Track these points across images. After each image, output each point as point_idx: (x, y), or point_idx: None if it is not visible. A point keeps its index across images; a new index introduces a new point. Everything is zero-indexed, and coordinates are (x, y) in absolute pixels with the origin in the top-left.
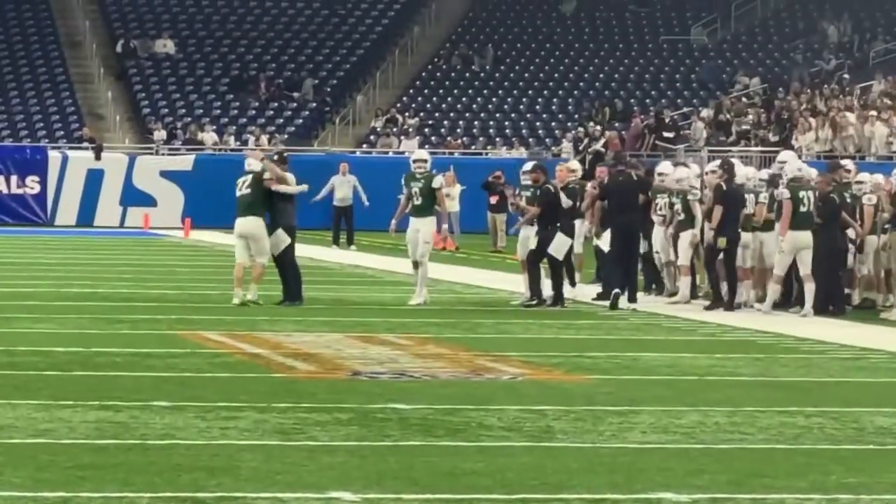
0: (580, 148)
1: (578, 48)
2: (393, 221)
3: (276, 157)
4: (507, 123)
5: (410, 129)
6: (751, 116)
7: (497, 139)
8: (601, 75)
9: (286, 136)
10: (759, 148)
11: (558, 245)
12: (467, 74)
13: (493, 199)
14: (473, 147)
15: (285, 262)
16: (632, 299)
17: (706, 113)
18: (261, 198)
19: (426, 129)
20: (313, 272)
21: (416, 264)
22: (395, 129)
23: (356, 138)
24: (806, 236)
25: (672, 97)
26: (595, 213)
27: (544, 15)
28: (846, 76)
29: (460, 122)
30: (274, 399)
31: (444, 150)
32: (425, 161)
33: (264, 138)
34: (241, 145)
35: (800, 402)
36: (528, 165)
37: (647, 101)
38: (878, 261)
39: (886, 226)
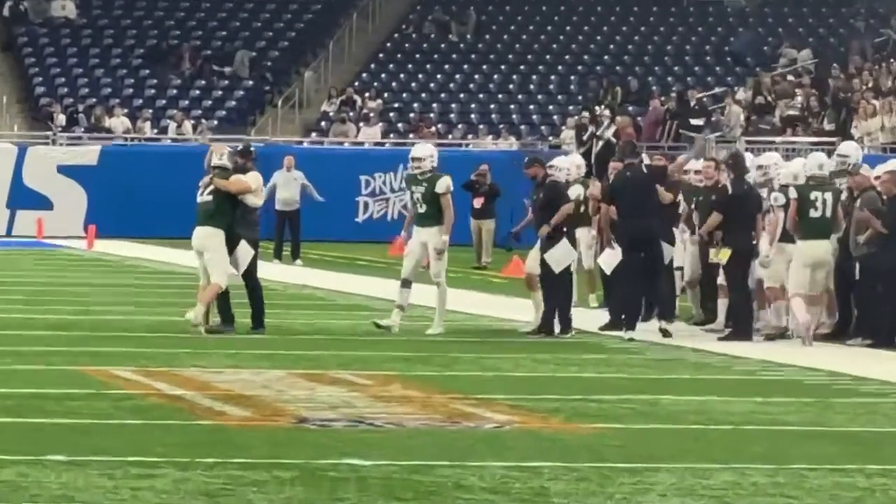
0: (584, 138)
1: (583, 12)
2: (403, 233)
3: (237, 152)
4: (492, 107)
5: (371, 114)
6: (799, 98)
7: (480, 127)
8: (612, 47)
9: (216, 123)
10: (810, 138)
11: (559, 255)
12: (443, 46)
13: (477, 203)
14: (451, 137)
15: (252, 280)
16: (630, 326)
17: (743, 94)
18: (225, 206)
19: (391, 114)
20: None
21: (406, 282)
22: (352, 114)
23: (304, 125)
24: (820, 247)
25: (700, 74)
26: (602, 221)
27: None
28: None
29: (434, 106)
30: (198, 452)
31: (412, 141)
32: (421, 160)
33: (188, 124)
34: (159, 133)
35: (859, 459)
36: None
37: (669, 79)
38: None
39: None
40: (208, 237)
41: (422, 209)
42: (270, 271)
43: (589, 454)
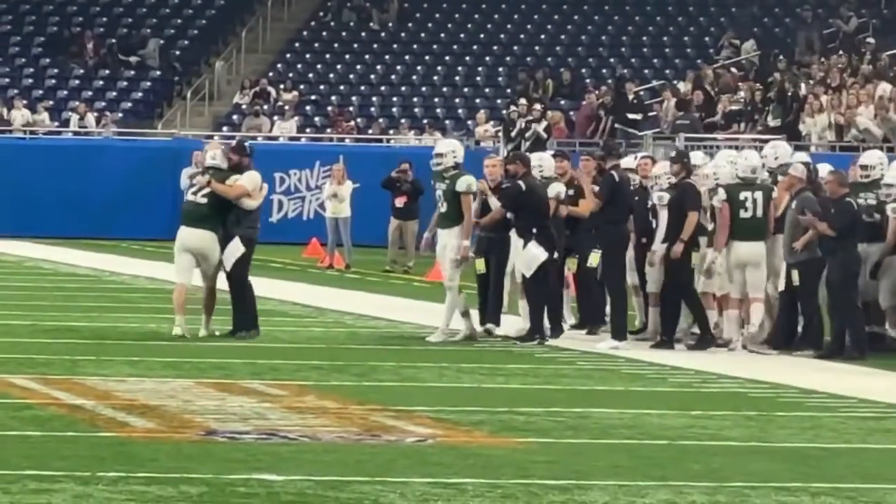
0: (512, 133)
1: (513, 0)
2: (427, 234)
3: (231, 149)
4: (415, 100)
5: (287, 107)
6: (742, 93)
7: (402, 121)
8: (543, 37)
9: (121, 115)
10: (753, 135)
11: (528, 259)
12: (363, 34)
13: (399, 202)
14: (371, 131)
15: (238, 281)
16: (619, 335)
17: (683, 87)
18: (220, 208)
19: (307, 108)
20: (156, 297)
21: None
22: (266, 107)
23: (214, 118)
24: (751, 249)
25: (637, 67)
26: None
27: None
28: (870, 40)
29: (353, 99)
30: (100, 466)
31: (330, 136)
32: (442, 155)
33: (91, 117)
34: (60, 126)
35: (804, 477)
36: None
37: (604, 71)
38: None
39: None
40: (206, 241)
41: (443, 208)
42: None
43: (515, 470)
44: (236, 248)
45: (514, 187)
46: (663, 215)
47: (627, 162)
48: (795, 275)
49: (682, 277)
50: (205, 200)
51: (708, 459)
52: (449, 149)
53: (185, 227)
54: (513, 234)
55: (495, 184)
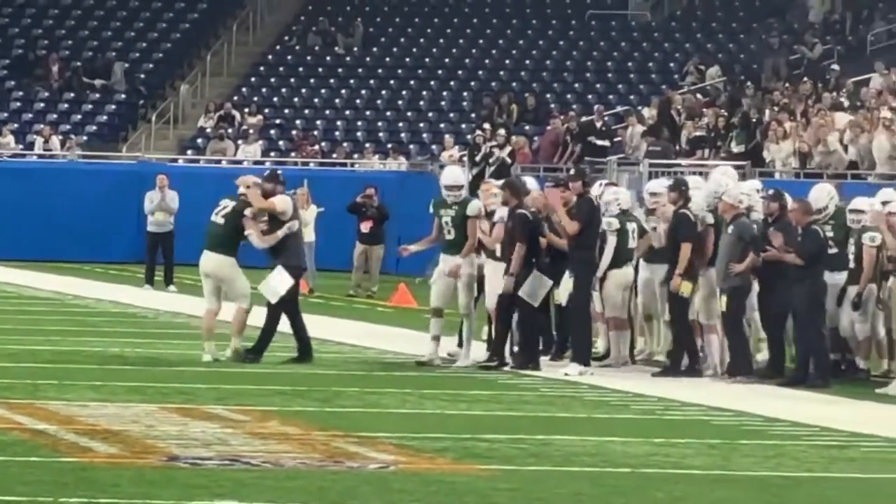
0: (477, 158)
1: (478, 25)
2: (412, 246)
3: (264, 178)
4: (380, 125)
5: (251, 131)
6: (707, 119)
7: (367, 145)
8: (507, 61)
9: (85, 138)
10: (718, 161)
11: (532, 289)
12: (328, 58)
13: (365, 227)
14: (335, 155)
15: (292, 313)
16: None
17: (648, 113)
18: (236, 229)
19: (272, 131)
20: (119, 320)
21: (437, 311)
22: (230, 130)
23: (179, 141)
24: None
25: (602, 92)
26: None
27: None
28: (835, 66)
29: (318, 122)
30: (63, 492)
31: (295, 160)
32: (459, 187)
33: (56, 140)
34: (25, 149)
35: None
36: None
37: (569, 96)
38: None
39: (889, 267)
40: (223, 267)
41: (450, 235)
42: (141, 298)
43: (478, 498)
44: (281, 280)
45: (522, 216)
46: (611, 242)
47: (593, 188)
48: (724, 300)
49: (678, 307)
50: (223, 221)
51: (671, 487)
52: (464, 181)
53: (205, 251)
54: (491, 262)
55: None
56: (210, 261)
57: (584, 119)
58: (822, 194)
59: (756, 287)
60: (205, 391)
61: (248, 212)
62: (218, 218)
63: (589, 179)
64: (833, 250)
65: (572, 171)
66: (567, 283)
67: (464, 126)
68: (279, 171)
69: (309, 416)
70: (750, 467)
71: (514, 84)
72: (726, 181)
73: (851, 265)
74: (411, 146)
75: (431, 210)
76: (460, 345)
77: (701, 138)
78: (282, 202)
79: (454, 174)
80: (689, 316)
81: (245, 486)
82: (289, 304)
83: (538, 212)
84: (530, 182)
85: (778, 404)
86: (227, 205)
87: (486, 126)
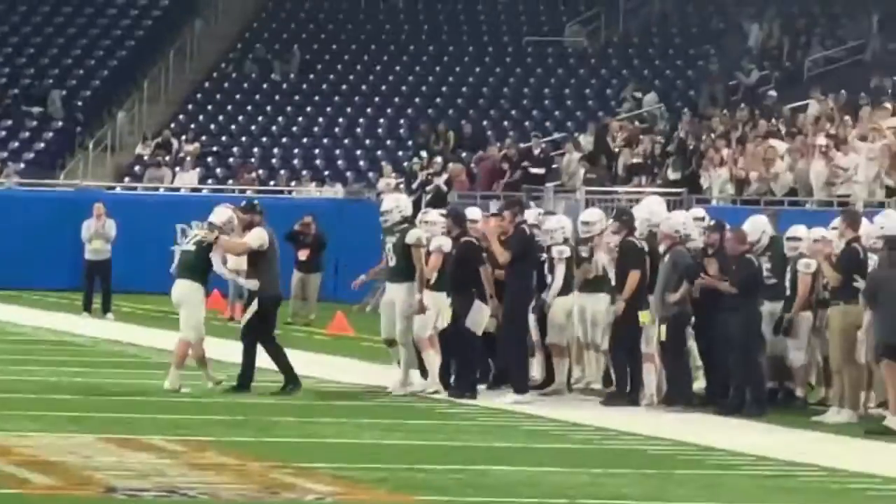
0: (413, 186)
1: (414, 52)
2: (363, 276)
3: (240, 208)
4: (317, 152)
5: (188, 158)
6: (643, 146)
7: (304, 173)
8: (444, 88)
9: (23, 166)
10: (654, 188)
11: (478, 317)
12: (265, 86)
13: (302, 255)
14: (273, 183)
15: (267, 343)
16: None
17: (585, 140)
18: (204, 258)
19: (209, 158)
20: (58, 349)
21: (389, 342)
22: (168, 158)
23: (116, 169)
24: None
25: (538, 119)
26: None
27: (368, 7)
28: (772, 93)
29: (255, 150)
30: None
31: (232, 187)
32: (388, 212)
33: None
34: None
35: None
36: (476, 211)
37: (506, 123)
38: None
39: (825, 296)
40: (187, 292)
41: (392, 262)
42: (79, 326)
43: None
44: (251, 308)
45: (471, 244)
46: (560, 269)
47: (530, 216)
48: (663, 329)
49: (628, 336)
50: (193, 248)
51: None
52: (394, 204)
53: (176, 280)
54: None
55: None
56: (176, 287)
57: (521, 146)
58: (756, 227)
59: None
60: (143, 421)
61: (217, 241)
62: (189, 245)
63: (522, 208)
64: (771, 280)
65: (506, 201)
66: (480, 312)
67: (400, 153)
68: (256, 202)
69: (246, 446)
70: (686, 497)
71: (450, 111)
72: (660, 210)
73: (788, 293)
74: (348, 173)
75: (381, 236)
76: (424, 374)
77: (638, 165)
78: (257, 237)
79: (386, 200)
80: (640, 344)
81: None
82: (260, 334)
83: (479, 241)
84: (473, 211)
85: (714, 434)
86: (198, 233)
87: (423, 153)
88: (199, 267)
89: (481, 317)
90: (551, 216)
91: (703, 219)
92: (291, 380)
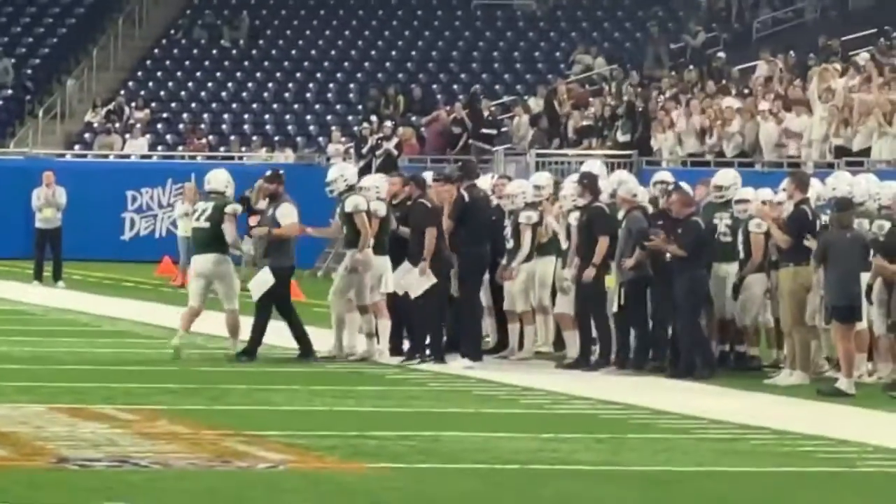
0: (364, 150)
1: (363, 16)
2: (311, 229)
3: (266, 178)
4: (267, 117)
5: (138, 125)
6: (593, 109)
7: (254, 138)
8: (394, 52)
9: None
10: (605, 150)
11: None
12: (214, 52)
13: (253, 221)
14: (223, 149)
15: (287, 311)
16: (473, 355)
17: (535, 102)
18: (221, 231)
19: (159, 125)
20: (8, 318)
21: (362, 308)
22: (117, 125)
23: (66, 136)
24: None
25: (488, 82)
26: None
27: None
28: (721, 54)
29: (205, 116)
30: None
31: (182, 153)
32: (332, 181)
33: None
34: None
35: (655, 501)
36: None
37: (455, 87)
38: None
39: (774, 259)
40: (219, 264)
41: (344, 231)
42: (29, 294)
43: (367, 497)
44: (265, 279)
45: (421, 206)
46: (527, 235)
47: (484, 182)
48: (622, 293)
49: (594, 301)
50: (207, 224)
51: (558, 484)
52: (339, 174)
53: (196, 255)
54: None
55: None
56: (201, 261)
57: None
58: (728, 179)
59: None
60: (94, 390)
61: (228, 209)
62: (201, 223)
63: (475, 173)
64: (727, 238)
65: (458, 168)
66: (407, 274)
67: (350, 118)
68: (281, 171)
69: (198, 414)
70: (638, 462)
71: (400, 75)
72: (619, 175)
73: (742, 256)
74: (298, 139)
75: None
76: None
77: (588, 128)
78: (294, 213)
79: (330, 171)
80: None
81: (134, 487)
82: (280, 305)
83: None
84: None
85: (666, 397)
86: (206, 207)
87: (373, 118)
88: (216, 238)
89: (407, 279)
90: (509, 181)
91: (666, 182)
92: (306, 349)
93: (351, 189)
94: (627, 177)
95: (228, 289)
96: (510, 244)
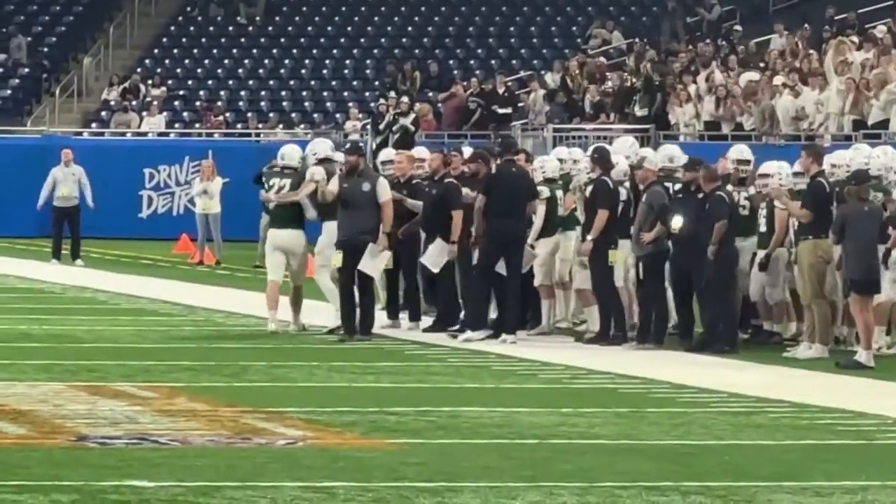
0: (381, 127)
1: None
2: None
3: (347, 152)
4: (283, 94)
5: (155, 102)
6: (610, 83)
7: (271, 115)
8: (410, 28)
9: None
10: (624, 125)
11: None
12: (231, 29)
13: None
14: (240, 126)
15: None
16: (509, 329)
17: (551, 78)
18: (300, 206)
19: (176, 103)
20: (26, 297)
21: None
22: (134, 103)
23: (83, 115)
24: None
25: (505, 58)
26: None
27: None
28: (738, 27)
29: (221, 93)
30: None
31: (199, 131)
32: (303, 157)
33: None
34: None
35: (675, 475)
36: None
37: (472, 62)
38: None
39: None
40: (294, 239)
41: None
42: (48, 272)
43: (386, 473)
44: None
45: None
46: (541, 209)
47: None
48: (641, 267)
49: (599, 275)
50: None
51: (578, 459)
52: (309, 150)
53: (274, 230)
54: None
55: (406, 177)
56: (282, 235)
57: (485, 85)
58: (748, 154)
59: None
60: (113, 368)
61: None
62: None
63: (515, 149)
64: (744, 213)
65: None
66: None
67: (367, 94)
68: (361, 144)
69: (217, 391)
70: (657, 436)
71: (416, 51)
72: (636, 150)
73: (764, 229)
74: (315, 115)
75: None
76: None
77: (604, 102)
78: (389, 189)
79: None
80: (613, 283)
81: (153, 465)
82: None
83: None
84: (420, 150)
85: (685, 371)
86: (283, 183)
87: (390, 94)
88: (295, 213)
89: (440, 256)
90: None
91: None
92: (347, 327)
93: (322, 162)
94: (649, 151)
95: (298, 264)
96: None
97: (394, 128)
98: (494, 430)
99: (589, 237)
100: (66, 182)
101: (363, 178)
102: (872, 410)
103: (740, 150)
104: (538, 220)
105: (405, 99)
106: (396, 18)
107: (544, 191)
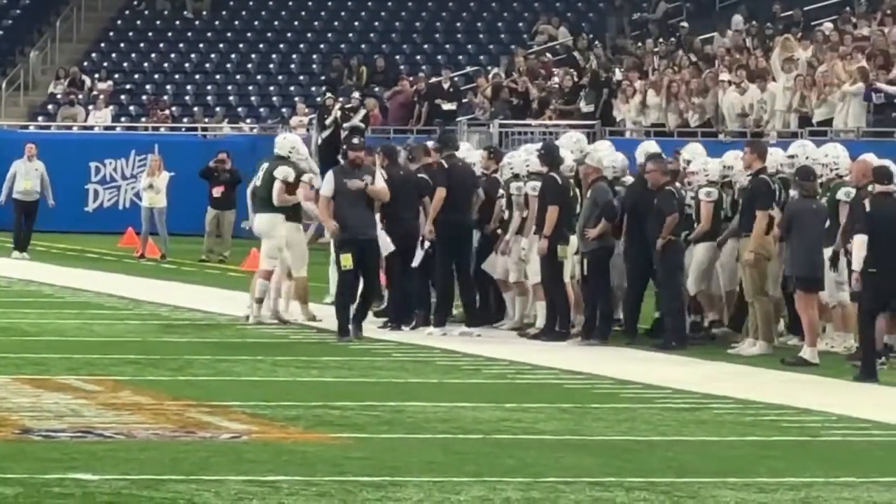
0: (327, 122)
1: None
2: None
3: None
4: (230, 88)
5: (101, 96)
6: (556, 79)
7: (217, 109)
8: (356, 23)
9: None
10: (569, 121)
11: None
12: (178, 23)
13: (217, 191)
14: (186, 120)
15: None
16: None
17: (497, 73)
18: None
19: (122, 96)
20: None
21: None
22: (80, 96)
23: (29, 108)
24: None
25: (451, 53)
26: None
27: None
28: (684, 24)
29: (168, 87)
30: None
31: (146, 125)
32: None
33: None
34: None
35: (619, 471)
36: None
37: (419, 57)
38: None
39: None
40: (295, 231)
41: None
42: None
43: (330, 467)
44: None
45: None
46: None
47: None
48: (586, 264)
49: (550, 270)
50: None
51: (522, 454)
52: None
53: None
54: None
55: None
56: (289, 228)
57: (431, 81)
58: (696, 152)
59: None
60: (58, 361)
61: (304, 177)
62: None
63: (455, 144)
64: (689, 211)
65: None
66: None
67: (314, 89)
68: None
69: (161, 385)
70: (602, 431)
71: (363, 46)
72: (582, 145)
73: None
74: (261, 110)
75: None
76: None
77: (547, 99)
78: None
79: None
80: (562, 278)
81: (98, 458)
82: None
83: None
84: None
85: (630, 367)
86: (287, 173)
87: (328, 95)
88: (296, 206)
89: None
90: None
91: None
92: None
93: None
94: (594, 147)
95: (298, 255)
96: (506, 215)
97: (345, 124)
98: (438, 425)
99: (543, 234)
100: (29, 176)
101: (363, 172)
102: (817, 407)
103: (693, 150)
104: (516, 217)
105: (356, 94)
106: (343, 13)
107: (521, 186)
